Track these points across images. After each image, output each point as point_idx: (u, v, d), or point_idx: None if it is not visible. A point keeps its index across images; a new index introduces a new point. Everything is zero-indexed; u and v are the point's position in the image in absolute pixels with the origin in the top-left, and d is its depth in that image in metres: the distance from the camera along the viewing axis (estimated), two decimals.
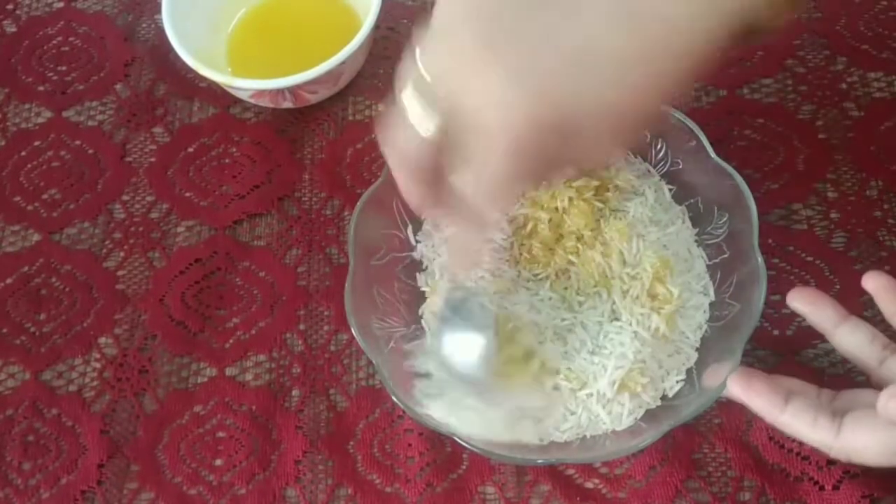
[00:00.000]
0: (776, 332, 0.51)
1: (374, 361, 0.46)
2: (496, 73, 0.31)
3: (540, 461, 0.47)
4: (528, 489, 0.49)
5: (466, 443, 0.44)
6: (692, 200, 0.52)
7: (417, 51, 0.33)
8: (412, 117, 0.34)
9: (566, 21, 0.30)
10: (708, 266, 0.51)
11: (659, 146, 0.52)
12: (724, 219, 0.50)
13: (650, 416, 0.48)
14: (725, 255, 0.50)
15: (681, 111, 0.51)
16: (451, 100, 0.32)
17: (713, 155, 0.49)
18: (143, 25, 0.64)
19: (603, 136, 0.33)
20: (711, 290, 0.50)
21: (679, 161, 0.52)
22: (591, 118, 0.32)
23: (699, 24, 0.30)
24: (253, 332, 0.54)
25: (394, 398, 0.45)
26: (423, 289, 0.52)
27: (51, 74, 0.63)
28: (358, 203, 0.50)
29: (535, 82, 0.31)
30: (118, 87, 0.62)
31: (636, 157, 0.53)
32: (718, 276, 0.50)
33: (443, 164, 0.35)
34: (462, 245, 0.40)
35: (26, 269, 0.57)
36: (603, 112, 0.32)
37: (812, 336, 0.51)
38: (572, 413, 0.47)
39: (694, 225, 0.52)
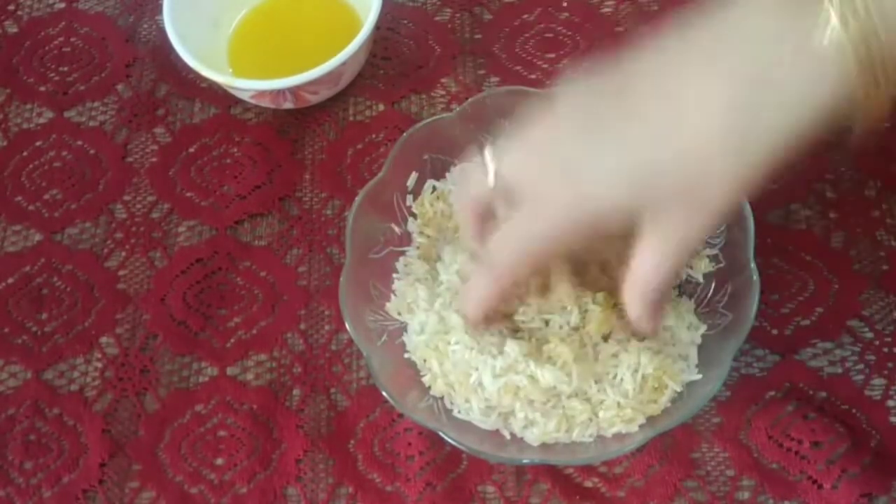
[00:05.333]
0: (775, 332, 0.52)
1: (364, 353, 0.47)
2: (552, 170, 0.39)
3: (536, 461, 0.47)
4: (527, 488, 0.49)
5: (457, 443, 0.45)
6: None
7: (504, 138, 0.42)
8: (486, 169, 0.41)
9: (615, 138, 0.37)
10: (704, 275, 0.51)
11: None
12: (722, 228, 0.50)
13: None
14: (722, 265, 0.50)
15: None
16: (518, 177, 0.40)
17: None
18: (145, 26, 0.65)
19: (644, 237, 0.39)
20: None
21: None
22: (625, 211, 0.38)
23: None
24: (254, 331, 0.54)
25: (383, 393, 0.46)
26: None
27: (52, 75, 0.63)
28: (357, 197, 0.51)
29: (579, 179, 0.38)
30: (119, 87, 0.62)
31: None
32: (713, 284, 0.50)
33: (495, 214, 0.43)
34: (469, 290, 0.46)
35: (28, 268, 0.57)
36: (634, 207, 0.38)
37: (811, 335, 0.51)
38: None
39: None
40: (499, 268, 0.42)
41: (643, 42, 0.38)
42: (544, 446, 0.46)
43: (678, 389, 0.47)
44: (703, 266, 0.50)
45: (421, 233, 0.53)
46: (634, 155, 0.37)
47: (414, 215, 0.53)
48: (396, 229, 0.53)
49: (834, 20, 0.33)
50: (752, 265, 0.47)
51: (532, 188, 0.40)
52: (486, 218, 0.43)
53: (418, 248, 0.53)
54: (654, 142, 0.37)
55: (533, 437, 0.46)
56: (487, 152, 0.42)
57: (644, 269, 0.40)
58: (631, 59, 0.38)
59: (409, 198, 0.53)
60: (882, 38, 0.33)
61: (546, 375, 0.45)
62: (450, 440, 0.45)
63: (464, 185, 0.45)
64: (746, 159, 0.36)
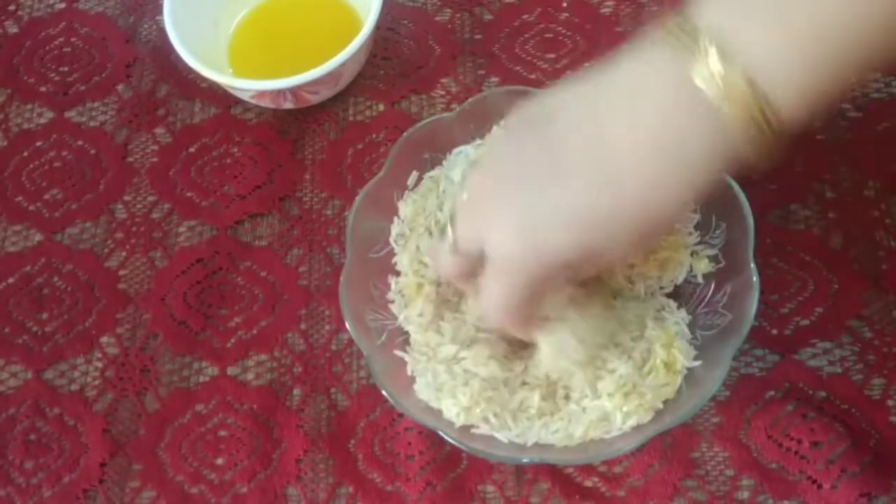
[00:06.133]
0: (774, 332, 0.52)
1: (364, 352, 0.47)
2: (504, 229, 0.39)
3: (536, 460, 0.47)
4: (527, 487, 0.49)
5: (457, 441, 0.45)
6: (694, 207, 0.52)
7: (458, 202, 0.43)
8: (451, 241, 0.43)
9: (556, 189, 0.38)
10: (704, 275, 0.51)
11: None
12: (722, 228, 0.50)
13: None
14: (721, 265, 0.50)
15: None
16: (475, 242, 0.41)
17: None
18: (145, 26, 0.65)
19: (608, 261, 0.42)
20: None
21: None
22: (584, 262, 0.39)
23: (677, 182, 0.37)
24: (254, 331, 0.54)
25: (383, 392, 0.46)
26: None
27: (53, 75, 0.63)
28: (357, 196, 0.51)
29: (533, 236, 0.38)
30: (120, 87, 0.63)
31: None
32: (713, 284, 0.50)
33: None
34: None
35: (28, 268, 0.57)
36: (594, 257, 0.39)
37: (810, 335, 0.51)
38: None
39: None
40: (497, 323, 0.44)
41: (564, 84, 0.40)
42: (544, 446, 0.46)
43: (689, 365, 0.47)
44: (702, 266, 0.50)
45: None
46: (578, 201, 0.38)
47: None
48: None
49: (713, 69, 0.34)
50: (752, 265, 0.47)
51: (494, 253, 0.40)
52: (467, 274, 0.44)
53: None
54: (591, 188, 0.37)
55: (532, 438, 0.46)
56: (449, 228, 0.43)
57: None
58: (553, 103, 0.40)
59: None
60: (758, 86, 0.34)
61: (485, 369, 0.47)
62: (449, 439, 0.45)
63: (436, 262, 0.46)
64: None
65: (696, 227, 0.51)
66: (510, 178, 0.40)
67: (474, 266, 0.42)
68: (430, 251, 0.50)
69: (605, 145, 0.37)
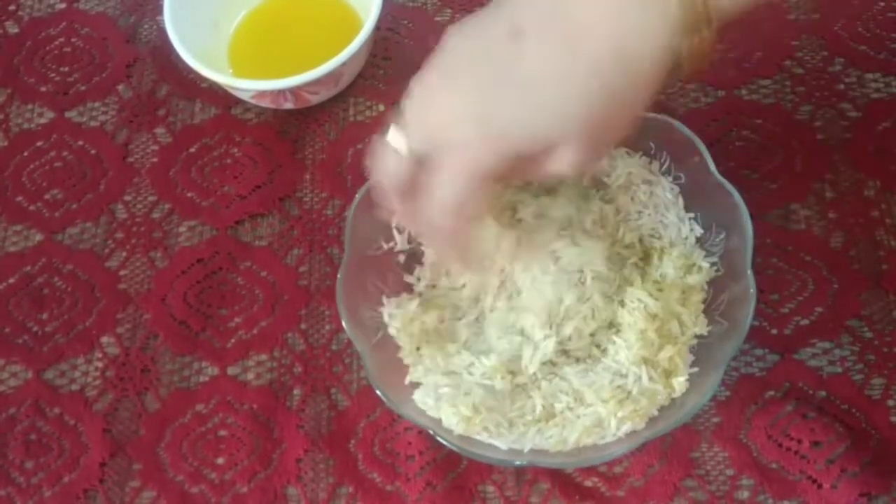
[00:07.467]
0: (774, 332, 0.52)
1: (359, 350, 0.47)
2: (458, 117, 0.39)
3: (534, 462, 0.47)
4: (527, 488, 0.49)
5: (450, 443, 0.45)
6: (693, 215, 0.52)
7: (404, 100, 0.41)
8: (394, 142, 0.41)
9: (512, 67, 0.37)
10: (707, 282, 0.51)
11: (664, 159, 0.52)
12: (722, 236, 0.50)
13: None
14: (720, 273, 0.50)
15: (685, 125, 0.50)
16: (425, 133, 0.40)
17: (714, 172, 0.49)
18: (145, 26, 0.65)
19: (564, 154, 0.39)
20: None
21: (682, 175, 0.52)
22: (542, 143, 0.38)
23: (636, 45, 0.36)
24: (254, 331, 0.54)
25: (377, 391, 0.46)
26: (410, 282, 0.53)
27: (53, 75, 0.63)
28: (357, 194, 0.50)
29: (487, 122, 0.38)
30: (120, 87, 0.63)
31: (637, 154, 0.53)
32: (711, 292, 0.50)
33: (417, 183, 0.41)
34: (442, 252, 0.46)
35: (29, 268, 0.57)
36: (551, 137, 0.38)
37: (810, 335, 0.51)
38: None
39: (694, 240, 0.52)
40: (442, 228, 0.42)
41: None
42: (539, 451, 0.46)
43: (686, 374, 0.47)
44: (704, 274, 0.50)
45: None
46: (538, 93, 0.37)
47: None
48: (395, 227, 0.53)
49: None
50: (750, 273, 0.47)
51: (446, 144, 0.39)
52: (409, 193, 0.42)
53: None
54: (553, 78, 0.37)
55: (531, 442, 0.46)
56: (393, 126, 0.41)
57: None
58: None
59: None
60: None
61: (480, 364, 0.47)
62: (444, 441, 0.45)
63: (380, 166, 0.43)
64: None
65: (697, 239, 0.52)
66: (466, 66, 0.39)
67: (415, 174, 0.41)
68: (371, 154, 0.44)
69: (568, 22, 0.37)
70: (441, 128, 0.39)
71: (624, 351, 0.47)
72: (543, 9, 0.38)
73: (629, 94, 0.38)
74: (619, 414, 0.45)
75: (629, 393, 0.46)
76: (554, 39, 0.37)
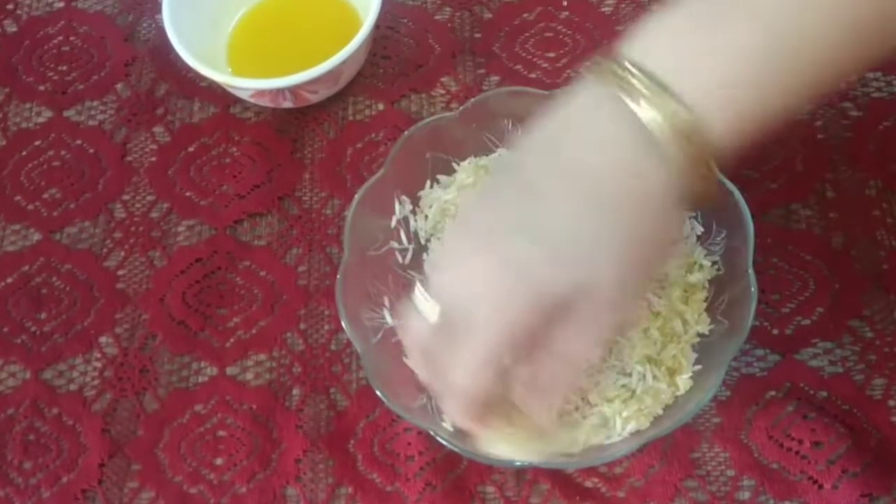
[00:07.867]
0: (775, 332, 0.51)
1: (358, 350, 0.47)
2: (485, 273, 0.37)
3: (534, 463, 0.46)
4: (527, 488, 0.49)
5: (450, 444, 0.44)
6: (694, 214, 0.52)
7: (425, 258, 0.41)
8: (420, 306, 0.40)
9: (541, 218, 0.37)
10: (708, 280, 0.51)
11: None
12: (723, 235, 0.50)
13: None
14: (721, 272, 0.50)
15: None
16: (451, 293, 0.39)
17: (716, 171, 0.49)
18: (144, 25, 0.65)
19: (599, 309, 0.38)
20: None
21: None
22: (576, 297, 0.37)
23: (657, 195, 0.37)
24: (253, 331, 0.54)
25: (376, 392, 0.45)
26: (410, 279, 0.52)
27: (51, 74, 0.63)
28: (357, 194, 0.50)
29: (514, 276, 0.36)
30: (119, 86, 0.62)
31: None
32: (713, 291, 0.50)
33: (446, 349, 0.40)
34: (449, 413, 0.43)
35: (27, 268, 0.57)
36: (589, 289, 0.37)
37: (811, 335, 0.51)
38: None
39: (695, 238, 0.52)
40: (469, 390, 0.40)
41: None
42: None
43: (689, 372, 0.47)
44: (705, 273, 0.50)
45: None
46: (562, 232, 0.37)
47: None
48: (396, 227, 0.53)
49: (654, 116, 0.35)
50: (751, 272, 0.46)
51: (475, 304, 0.38)
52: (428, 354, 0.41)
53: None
54: (578, 229, 0.37)
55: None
56: (418, 288, 0.40)
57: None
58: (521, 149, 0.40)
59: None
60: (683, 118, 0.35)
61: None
62: (444, 441, 0.45)
63: (405, 328, 0.42)
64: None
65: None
66: (489, 227, 0.38)
67: (442, 333, 0.40)
68: (398, 318, 0.45)
69: (578, 173, 0.37)
70: (473, 284, 0.38)
71: (627, 349, 0.47)
72: (551, 166, 0.38)
73: (650, 232, 0.38)
74: (625, 413, 0.45)
75: (633, 392, 0.46)
76: (570, 194, 0.37)
